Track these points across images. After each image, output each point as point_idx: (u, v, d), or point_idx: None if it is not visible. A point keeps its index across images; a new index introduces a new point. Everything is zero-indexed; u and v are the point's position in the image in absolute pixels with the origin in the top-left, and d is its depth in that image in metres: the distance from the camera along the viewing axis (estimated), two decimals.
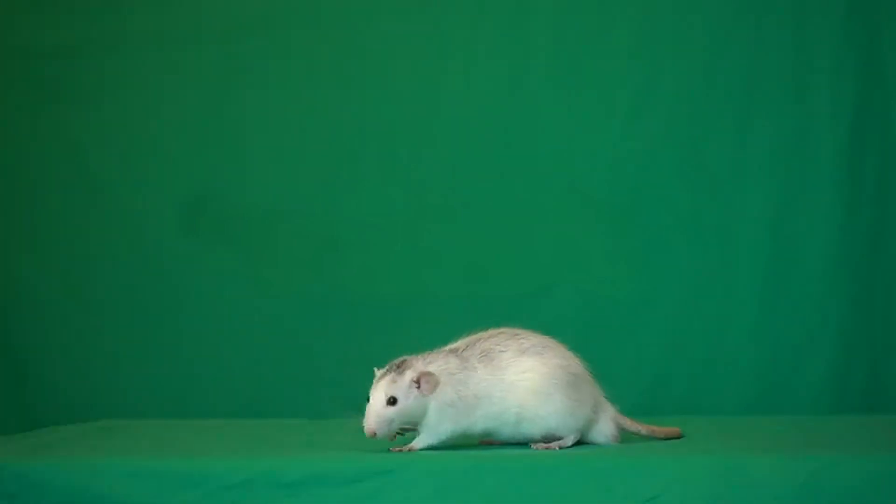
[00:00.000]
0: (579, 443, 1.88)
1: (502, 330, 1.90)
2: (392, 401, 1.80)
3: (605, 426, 1.91)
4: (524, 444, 1.88)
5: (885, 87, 2.63)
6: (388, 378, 1.81)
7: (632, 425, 1.95)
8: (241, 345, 2.82)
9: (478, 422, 1.85)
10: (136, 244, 2.87)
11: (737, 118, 2.69)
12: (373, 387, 1.82)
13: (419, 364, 1.83)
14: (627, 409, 2.10)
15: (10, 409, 2.86)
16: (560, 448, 1.85)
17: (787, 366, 2.63)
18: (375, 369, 1.85)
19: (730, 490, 1.65)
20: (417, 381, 1.81)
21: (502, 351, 1.86)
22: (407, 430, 1.85)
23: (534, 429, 1.86)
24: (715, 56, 2.70)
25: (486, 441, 1.91)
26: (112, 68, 2.89)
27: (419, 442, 1.84)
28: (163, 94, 2.89)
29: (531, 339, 1.88)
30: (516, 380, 1.85)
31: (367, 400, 1.81)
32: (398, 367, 1.82)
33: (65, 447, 2.01)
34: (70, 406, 2.79)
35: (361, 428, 1.80)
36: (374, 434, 1.79)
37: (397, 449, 1.84)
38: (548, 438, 1.87)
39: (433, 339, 2.76)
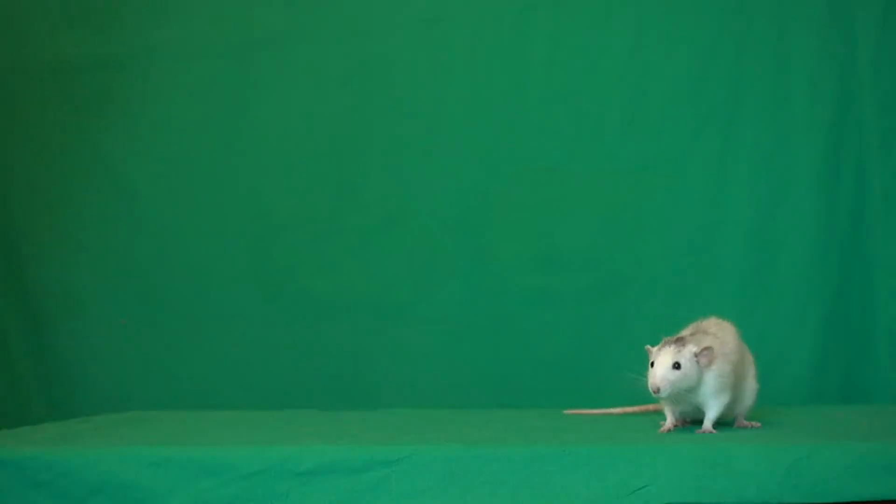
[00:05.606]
0: (579, 439, 1.91)
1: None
2: (676, 366, 1.92)
3: None
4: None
5: (861, 98, 2.67)
6: (671, 348, 1.93)
7: None
8: (259, 343, 2.85)
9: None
10: (162, 249, 2.89)
11: (721, 128, 2.73)
12: (656, 355, 1.94)
13: (695, 341, 1.96)
14: (621, 405, 2.20)
15: (49, 402, 2.89)
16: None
17: (769, 361, 2.66)
18: (649, 347, 1.97)
19: (715, 478, 1.69)
20: (697, 354, 1.93)
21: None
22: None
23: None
24: (700, 69, 2.75)
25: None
26: (144, 82, 2.92)
27: (709, 419, 1.98)
28: (185, 106, 2.92)
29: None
30: None
31: (651, 365, 1.93)
32: (677, 341, 1.95)
33: (92, 437, 2.03)
34: (103, 399, 2.82)
35: (644, 386, 1.93)
36: (658, 391, 1.91)
37: (700, 431, 1.97)
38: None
39: (434, 339, 2.77)
